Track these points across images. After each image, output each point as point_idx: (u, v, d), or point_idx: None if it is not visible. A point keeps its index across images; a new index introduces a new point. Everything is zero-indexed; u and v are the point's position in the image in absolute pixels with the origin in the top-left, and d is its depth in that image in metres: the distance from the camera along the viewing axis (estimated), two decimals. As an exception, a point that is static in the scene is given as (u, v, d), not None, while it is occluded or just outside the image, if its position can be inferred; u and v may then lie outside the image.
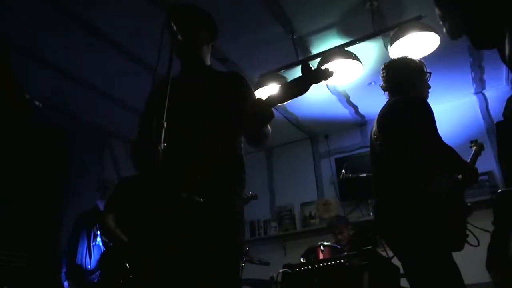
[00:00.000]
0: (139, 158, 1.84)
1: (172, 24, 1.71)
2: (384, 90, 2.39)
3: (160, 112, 1.48)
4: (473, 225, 2.12)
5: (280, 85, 1.51)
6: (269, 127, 1.72)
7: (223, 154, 1.61)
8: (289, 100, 1.52)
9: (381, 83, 2.42)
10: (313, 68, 1.48)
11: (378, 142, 2.26)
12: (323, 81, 1.50)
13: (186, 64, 1.91)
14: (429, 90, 2.35)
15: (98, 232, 3.63)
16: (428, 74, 2.35)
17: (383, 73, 2.39)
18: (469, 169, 2.19)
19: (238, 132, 1.66)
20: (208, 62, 1.94)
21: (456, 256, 2.00)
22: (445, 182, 2.10)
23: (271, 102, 1.51)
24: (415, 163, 2.04)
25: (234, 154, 1.72)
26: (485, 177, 4.36)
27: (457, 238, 2.06)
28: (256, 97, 1.62)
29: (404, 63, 2.38)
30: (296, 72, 3.94)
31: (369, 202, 4.93)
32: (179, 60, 1.89)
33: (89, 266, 3.53)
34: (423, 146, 2.03)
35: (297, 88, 1.48)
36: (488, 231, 2.16)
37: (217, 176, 1.59)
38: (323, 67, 1.44)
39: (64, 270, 3.55)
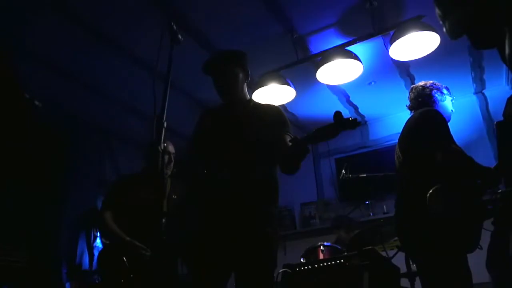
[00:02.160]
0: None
1: (212, 69, 2.09)
2: (409, 109, 2.58)
3: (161, 112, 1.50)
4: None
5: (316, 129, 1.76)
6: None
7: (261, 178, 1.91)
8: (321, 141, 1.93)
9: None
10: (344, 117, 1.71)
11: (399, 155, 2.42)
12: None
13: (229, 102, 2.14)
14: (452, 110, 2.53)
15: (98, 233, 3.63)
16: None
17: (409, 94, 2.60)
18: (485, 172, 2.21)
19: (275, 162, 1.95)
20: (248, 96, 2.19)
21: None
22: (458, 185, 2.15)
23: (306, 142, 1.75)
24: (430, 166, 2.16)
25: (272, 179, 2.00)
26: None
27: (469, 240, 2.11)
28: (292, 136, 1.89)
29: (429, 86, 2.53)
30: (296, 72, 3.94)
31: (369, 202, 4.93)
32: (221, 98, 2.14)
33: (89, 267, 3.53)
34: (436, 152, 2.14)
35: (331, 133, 1.71)
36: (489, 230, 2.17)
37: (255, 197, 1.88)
38: (351, 119, 1.68)
39: (64, 270, 3.54)
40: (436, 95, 2.47)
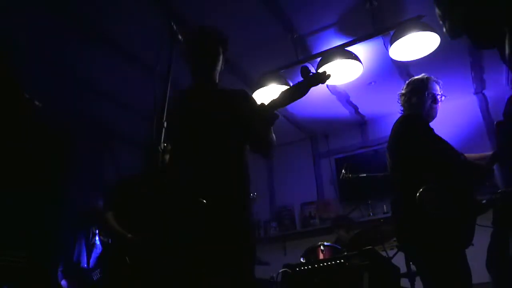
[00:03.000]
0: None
1: (192, 43, 1.90)
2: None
3: (160, 112, 1.50)
4: (476, 224, 2.16)
5: (283, 90, 1.65)
6: (273, 136, 1.80)
7: (230, 162, 1.76)
8: (290, 103, 1.63)
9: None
10: (312, 72, 1.58)
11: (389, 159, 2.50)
12: (321, 84, 1.60)
13: (201, 82, 2.00)
14: (435, 105, 2.54)
15: (97, 231, 3.63)
16: (428, 93, 2.51)
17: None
18: (476, 168, 2.24)
19: (245, 139, 1.80)
20: (217, 79, 2.03)
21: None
22: (448, 182, 2.16)
23: (274, 105, 1.63)
24: (423, 167, 2.20)
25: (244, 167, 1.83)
26: (485, 177, 4.36)
27: (463, 236, 2.13)
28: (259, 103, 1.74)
29: (410, 85, 2.59)
30: (296, 72, 3.95)
31: (369, 202, 4.93)
32: (193, 76, 1.99)
33: (87, 265, 3.53)
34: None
35: (298, 91, 1.60)
36: (491, 227, 2.17)
37: (225, 185, 1.72)
38: (321, 70, 1.56)
39: (61, 268, 3.54)
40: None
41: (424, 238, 2.13)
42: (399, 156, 2.37)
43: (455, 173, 2.24)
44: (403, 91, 2.60)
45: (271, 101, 1.65)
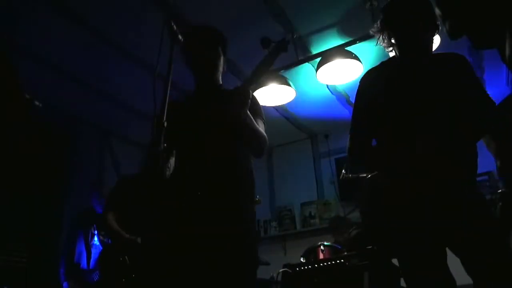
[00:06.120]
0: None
1: (188, 42, 1.86)
2: None
3: (160, 112, 1.50)
4: None
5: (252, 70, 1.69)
6: (262, 132, 1.81)
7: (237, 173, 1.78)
8: (260, 77, 1.71)
9: None
10: (273, 42, 1.67)
11: None
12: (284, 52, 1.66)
13: (203, 84, 2.00)
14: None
15: (96, 232, 3.63)
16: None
17: None
18: None
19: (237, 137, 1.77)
20: (220, 81, 2.02)
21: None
22: None
23: (246, 82, 1.69)
24: None
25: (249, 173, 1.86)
26: (485, 177, 4.35)
27: None
28: (264, 121, 1.86)
29: None
30: (297, 72, 3.95)
31: (369, 202, 4.93)
32: (195, 78, 2.00)
33: (87, 266, 3.53)
34: None
35: (266, 64, 1.65)
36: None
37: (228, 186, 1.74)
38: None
39: (62, 270, 3.55)
40: None
41: None
42: None
43: None
44: None
45: (244, 80, 1.70)
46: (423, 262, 1.53)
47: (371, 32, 1.89)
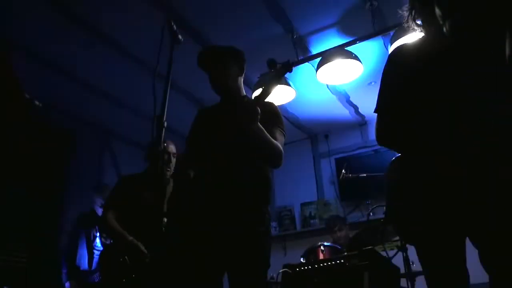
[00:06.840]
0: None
1: (205, 61, 2.03)
2: None
3: (161, 112, 1.50)
4: None
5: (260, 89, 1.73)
6: (275, 143, 1.84)
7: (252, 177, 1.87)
8: (267, 96, 1.69)
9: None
10: (278, 63, 1.70)
11: None
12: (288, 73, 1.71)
13: (224, 97, 2.09)
14: None
15: (97, 234, 3.63)
16: None
17: None
18: None
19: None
20: (243, 92, 2.11)
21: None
22: None
23: (256, 100, 1.70)
24: None
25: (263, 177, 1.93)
26: None
27: None
28: (284, 132, 1.94)
29: None
30: (297, 72, 3.95)
31: (369, 202, 4.93)
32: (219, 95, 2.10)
33: (88, 267, 3.53)
34: None
35: (271, 84, 1.68)
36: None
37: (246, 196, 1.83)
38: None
39: (64, 271, 3.55)
40: None
41: None
42: None
43: None
44: None
45: (254, 97, 1.74)
46: (444, 247, 1.56)
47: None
